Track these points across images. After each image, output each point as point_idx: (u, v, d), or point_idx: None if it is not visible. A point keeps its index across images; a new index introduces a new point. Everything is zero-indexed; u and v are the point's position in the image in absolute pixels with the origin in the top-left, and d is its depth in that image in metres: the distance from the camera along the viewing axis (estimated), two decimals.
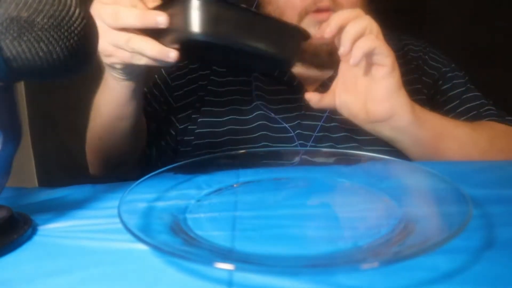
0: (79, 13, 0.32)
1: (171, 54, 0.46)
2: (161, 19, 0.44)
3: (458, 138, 0.57)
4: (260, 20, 0.48)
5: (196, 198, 0.42)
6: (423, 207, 0.37)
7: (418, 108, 0.55)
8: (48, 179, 1.34)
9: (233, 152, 0.52)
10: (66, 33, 0.31)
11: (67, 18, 0.32)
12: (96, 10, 0.46)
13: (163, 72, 0.73)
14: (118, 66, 0.51)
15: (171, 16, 0.45)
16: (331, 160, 0.49)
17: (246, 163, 0.49)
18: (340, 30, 0.50)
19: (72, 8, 0.32)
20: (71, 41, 0.32)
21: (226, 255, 0.31)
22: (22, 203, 0.43)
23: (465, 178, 0.42)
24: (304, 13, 0.61)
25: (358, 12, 0.52)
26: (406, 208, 0.37)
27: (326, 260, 0.30)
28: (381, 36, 0.51)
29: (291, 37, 0.51)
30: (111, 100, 0.58)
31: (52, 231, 0.36)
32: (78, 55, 0.33)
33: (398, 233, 0.32)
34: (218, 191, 0.43)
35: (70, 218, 0.39)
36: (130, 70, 0.52)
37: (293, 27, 0.52)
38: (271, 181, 0.46)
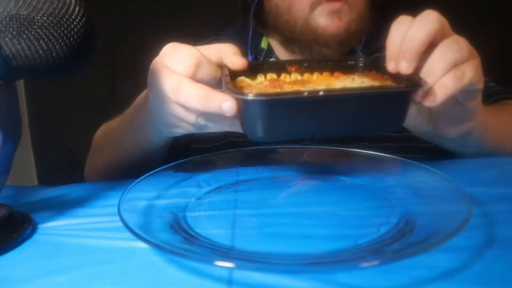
0: (79, 11, 0.32)
1: None
2: (226, 107, 0.35)
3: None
4: (351, 103, 0.35)
5: (196, 196, 0.41)
6: (423, 205, 0.36)
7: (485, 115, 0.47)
8: (48, 178, 1.34)
9: (233, 150, 0.52)
10: (65, 31, 0.31)
11: (66, 16, 0.31)
12: (159, 76, 0.39)
13: None
14: (178, 132, 0.44)
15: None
16: (331, 158, 0.49)
17: (246, 161, 0.49)
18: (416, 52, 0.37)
19: (72, 6, 0.32)
20: (71, 39, 0.32)
21: (226, 253, 0.31)
22: (22, 202, 0.43)
23: (465, 176, 0.42)
24: (316, 3, 0.58)
25: (444, 24, 0.38)
26: (406, 207, 0.37)
27: (326, 258, 0.30)
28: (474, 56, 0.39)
29: (391, 106, 0.37)
30: (146, 146, 0.52)
31: (52, 230, 0.36)
32: (78, 53, 0.33)
33: (398, 231, 0.32)
34: (218, 189, 0.43)
35: (70, 216, 0.39)
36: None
37: (394, 93, 0.37)
38: (271, 180, 0.46)
